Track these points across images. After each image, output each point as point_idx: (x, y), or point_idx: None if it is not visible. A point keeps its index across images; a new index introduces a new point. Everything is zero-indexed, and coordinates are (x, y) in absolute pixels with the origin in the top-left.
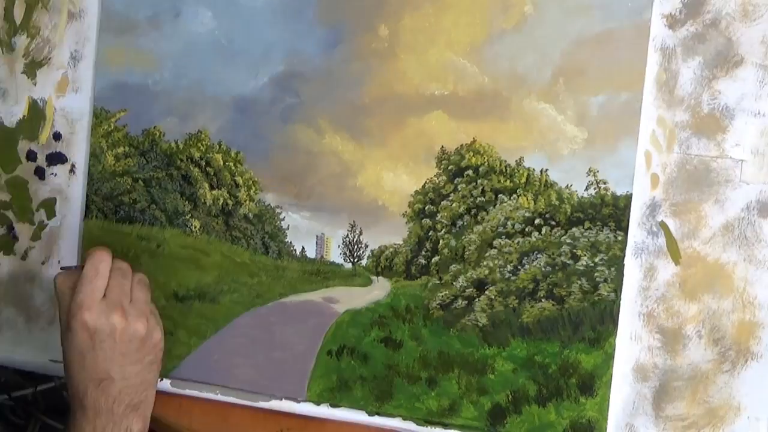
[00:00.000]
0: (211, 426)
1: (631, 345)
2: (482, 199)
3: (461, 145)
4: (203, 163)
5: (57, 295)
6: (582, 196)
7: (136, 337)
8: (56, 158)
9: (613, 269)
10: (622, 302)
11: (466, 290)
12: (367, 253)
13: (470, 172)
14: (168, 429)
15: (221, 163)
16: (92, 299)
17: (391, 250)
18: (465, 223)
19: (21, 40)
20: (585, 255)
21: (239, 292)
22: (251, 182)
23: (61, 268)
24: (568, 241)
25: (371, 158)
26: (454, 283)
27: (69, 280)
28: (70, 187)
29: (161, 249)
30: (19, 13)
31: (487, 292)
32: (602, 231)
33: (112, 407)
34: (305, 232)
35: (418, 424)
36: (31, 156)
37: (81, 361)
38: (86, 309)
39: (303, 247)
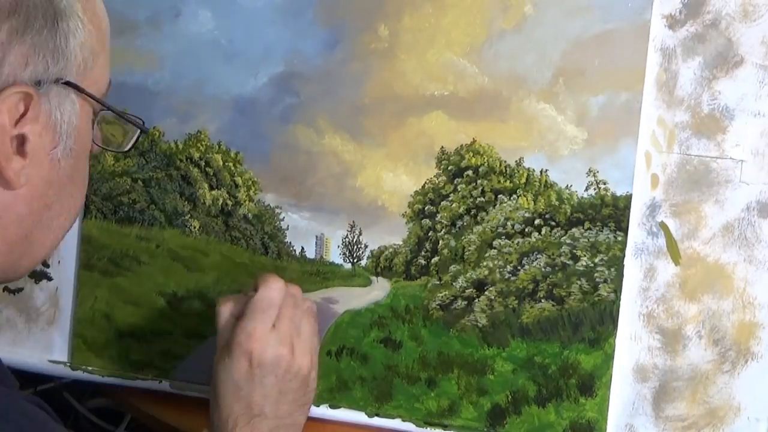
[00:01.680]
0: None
1: (631, 345)
2: (482, 199)
3: (461, 146)
4: (203, 164)
5: (219, 321)
6: (582, 197)
7: (298, 376)
8: None
9: (613, 270)
10: (622, 303)
11: (466, 291)
12: (367, 253)
13: (470, 172)
14: (168, 429)
15: (221, 163)
16: (263, 330)
17: (390, 250)
18: (465, 224)
19: None
20: (585, 255)
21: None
22: (251, 182)
23: (219, 300)
24: (568, 241)
25: (371, 158)
26: (453, 283)
27: (232, 305)
28: None
29: (160, 249)
30: None
31: (486, 293)
32: (602, 231)
33: None
34: (305, 233)
35: (417, 425)
36: None
37: (236, 393)
38: (256, 340)
39: (302, 248)
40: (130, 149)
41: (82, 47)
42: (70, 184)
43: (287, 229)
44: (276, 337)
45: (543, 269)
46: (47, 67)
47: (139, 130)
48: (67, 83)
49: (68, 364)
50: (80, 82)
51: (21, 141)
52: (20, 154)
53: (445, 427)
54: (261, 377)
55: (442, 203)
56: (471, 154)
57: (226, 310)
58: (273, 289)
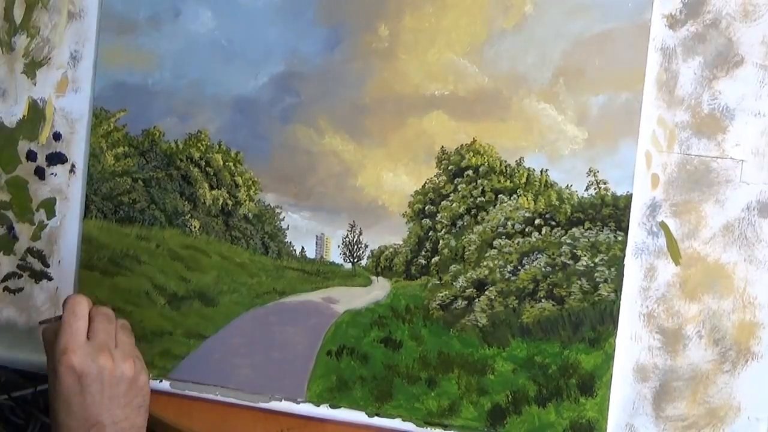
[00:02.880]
0: (211, 426)
1: (631, 345)
2: (482, 199)
3: (461, 145)
4: (203, 163)
5: (46, 349)
6: (582, 197)
7: (124, 379)
8: (56, 158)
9: (613, 269)
10: (622, 302)
11: (466, 290)
12: (367, 253)
13: (470, 172)
14: (168, 429)
15: (221, 163)
16: (76, 341)
17: (390, 250)
18: (465, 224)
19: (21, 40)
20: (585, 255)
21: (239, 293)
22: (251, 182)
23: (40, 322)
24: (568, 241)
25: (371, 158)
26: (454, 283)
27: (53, 329)
28: (69, 187)
29: (161, 249)
30: (19, 13)
31: (487, 293)
32: (602, 231)
33: None
34: (305, 232)
35: (417, 425)
36: (31, 156)
37: (68, 408)
38: (71, 351)
39: (303, 247)
40: None
41: None
42: None
43: (287, 228)
44: (92, 346)
45: (543, 269)
46: None
47: None
48: None
49: None
50: None
51: None
52: None
53: (445, 427)
54: (87, 386)
55: (442, 203)
56: (471, 153)
57: (48, 335)
58: (75, 303)
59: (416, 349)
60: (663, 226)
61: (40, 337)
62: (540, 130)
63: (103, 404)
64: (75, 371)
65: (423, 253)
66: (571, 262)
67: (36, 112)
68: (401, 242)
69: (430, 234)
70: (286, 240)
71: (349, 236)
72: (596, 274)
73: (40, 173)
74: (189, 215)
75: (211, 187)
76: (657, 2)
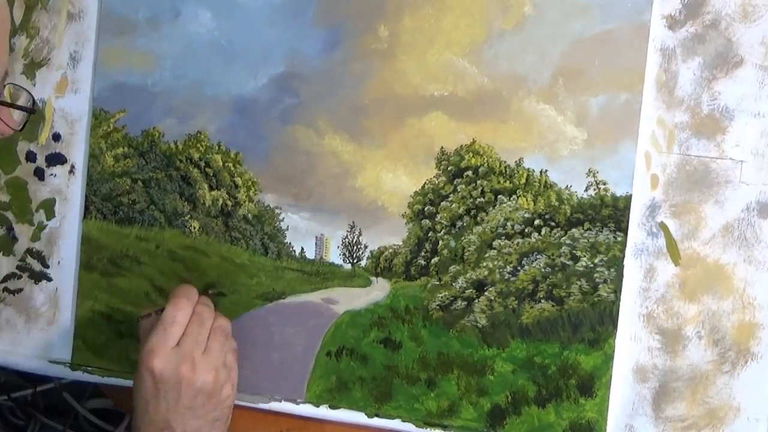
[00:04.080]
0: None
1: (630, 346)
2: (482, 199)
3: (461, 146)
4: (202, 164)
5: (140, 341)
6: (582, 197)
7: (202, 392)
8: (55, 159)
9: (612, 270)
10: (621, 303)
11: (466, 291)
12: (367, 253)
13: (470, 172)
14: None
15: (220, 163)
16: (163, 346)
17: (390, 250)
18: (464, 224)
19: (20, 41)
20: (585, 256)
21: (238, 293)
22: (250, 183)
23: (140, 317)
24: (568, 242)
25: (371, 159)
26: (453, 284)
27: (150, 324)
28: (69, 187)
29: (160, 250)
30: (18, 14)
31: (486, 293)
32: (602, 232)
33: None
34: (304, 233)
35: (417, 426)
36: (31, 157)
37: (145, 408)
38: (155, 356)
39: (302, 248)
40: (22, 129)
41: None
42: None
43: (287, 229)
44: (177, 354)
45: (543, 270)
46: None
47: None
48: None
49: (68, 364)
50: None
51: None
52: None
53: (444, 427)
54: (164, 392)
55: (441, 204)
56: (471, 154)
57: (145, 329)
58: (177, 309)
59: (416, 350)
60: (662, 226)
61: (138, 331)
62: (539, 131)
63: (177, 413)
64: (154, 375)
65: (422, 253)
66: (570, 262)
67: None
68: (401, 243)
69: (429, 235)
70: (285, 241)
71: (349, 237)
72: (596, 275)
73: (39, 174)
74: (188, 216)
75: (211, 188)
76: (656, 3)
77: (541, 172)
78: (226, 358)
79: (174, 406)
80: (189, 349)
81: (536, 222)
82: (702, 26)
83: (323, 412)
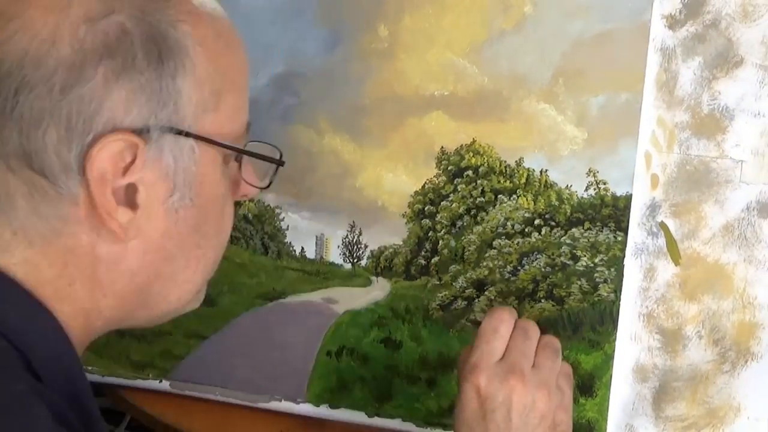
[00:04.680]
0: (211, 427)
1: (630, 345)
2: (482, 199)
3: (461, 146)
4: None
5: (458, 368)
6: (582, 197)
7: (535, 410)
8: None
9: (612, 270)
10: (621, 303)
11: (466, 291)
12: (367, 253)
13: (470, 172)
14: (168, 429)
15: None
16: (487, 360)
17: (390, 250)
18: (464, 224)
19: None
20: (585, 255)
21: (238, 293)
22: None
23: None
24: (568, 241)
25: (371, 159)
26: (453, 283)
27: (468, 348)
28: None
29: None
30: None
31: (486, 293)
32: (602, 231)
33: None
34: (305, 233)
35: (417, 425)
36: None
37: None
38: (480, 371)
39: (302, 248)
40: (269, 185)
41: (197, 88)
42: (195, 234)
43: (287, 229)
44: (502, 367)
45: (543, 269)
46: (153, 112)
47: (276, 165)
48: (180, 131)
49: None
50: (199, 126)
51: (131, 191)
52: (129, 205)
53: (445, 426)
54: (491, 412)
55: (442, 203)
56: (471, 154)
57: (464, 354)
58: (499, 320)
59: (416, 350)
60: (663, 226)
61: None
62: (540, 131)
63: None
64: (480, 393)
65: (423, 253)
66: (570, 262)
67: None
68: (401, 242)
69: (429, 234)
70: (285, 240)
71: (349, 236)
72: (596, 275)
73: None
74: None
75: None
76: (657, 3)
77: (541, 171)
78: (558, 379)
79: (504, 427)
80: (516, 361)
81: (536, 221)
82: (702, 26)
83: (323, 411)
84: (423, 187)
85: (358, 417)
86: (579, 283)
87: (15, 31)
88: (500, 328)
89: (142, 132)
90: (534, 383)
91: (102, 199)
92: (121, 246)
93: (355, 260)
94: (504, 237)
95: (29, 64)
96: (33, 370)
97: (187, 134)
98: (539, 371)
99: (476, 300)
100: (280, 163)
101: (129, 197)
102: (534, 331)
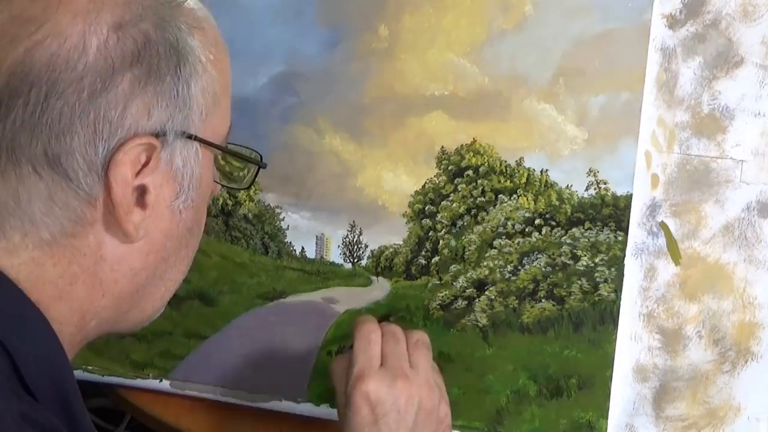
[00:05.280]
0: (211, 427)
1: (631, 345)
2: (482, 199)
3: (461, 146)
4: None
5: (334, 381)
6: (582, 197)
7: (423, 408)
8: None
9: (613, 269)
10: (622, 302)
11: (466, 290)
12: (367, 253)
13: (470, 172)
14: (168, 429)
15: None
16: (371, 367)
17: (391, 250)
18: (465, 224)
19: None
20: (585, 255)
21: (239, 293)
22: None
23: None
24: (569, 241)
25: (371, 158)
26: (454, 283)
27: (343, 361)
28: None
29: None
30: None
31: (487, 293)
32: (602, 231)
33: None
34: (305, 233)
35: None
36: None
37: None
38: (367, 378)
39: (303, 248)
40: (250, 186)
41: (204, 93)
42: (188, 234)
43: (287, 228)
44: (386, 372)
45: (543, 269)
46: (170, 117)
47: (257, 167)
48: (190, 134)
49: None
50: (202, 129)
51: (141, 192)
52: (140, 205)
53: None
54: (383, 416)
55: (442, 203)
56: (471, 154)
57: (338, 367)
58: (369, 331)
59: None
60: (663, 226)
61: (332, 375)
62: (540, 131)
63: None
64: (370, 399)
65: (423, 253)
66: (571, 262)
67: None
68: (401, 242)
69: (430, 234)
70: (286, 240)
71: (349, 236)
72: (596, 274)
73: None
74: None
75: None
76: (657, 2)
77: (541, 171)
78: (434, 375)
79: (396, 428)
80: (397, 365)
81: (537, 221)
82: (702, 26)
83: (324, 411)
84: (423, 186)
85: None
86: (579, 282)
87: (45, 37)
88: (371, 336)
89: (159, 135)
90: (417, 383)
91: (122, 200)
92: (127, 246)
93: (356, 260)
94: (504, 237)
95: (59, 69)
96: (19, 373)
97: (195, 138)
98: (418, 370)
99: (477, 300)
100: (262, 165)
101: (139, 198)
102: (400, 332)
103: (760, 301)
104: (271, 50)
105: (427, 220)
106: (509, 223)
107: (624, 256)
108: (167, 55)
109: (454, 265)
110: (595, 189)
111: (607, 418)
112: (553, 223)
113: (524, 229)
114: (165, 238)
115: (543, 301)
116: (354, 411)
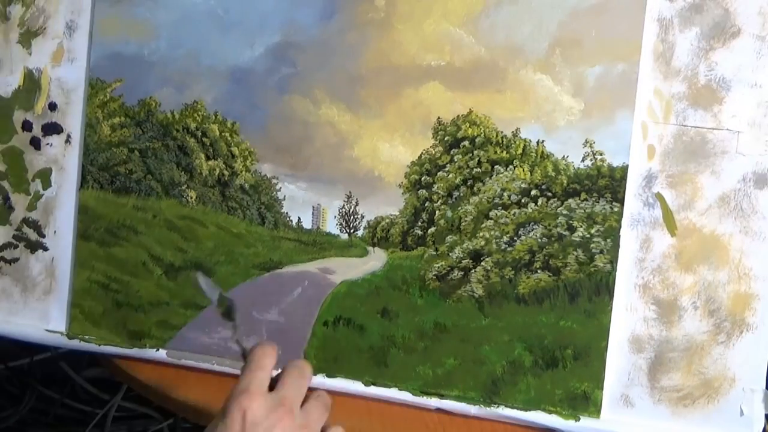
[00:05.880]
0: (208, 396)
1: (626, 316)
2: (478, 170)
3: (457, 116)
4: (199, 134)
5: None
6: (578, 168)
7: None
8: (52, 128)
9: (609, 240)
10: (617, 273)
11: (462, 261)
12: (363, 224)
13: (466, 143)
14: (164, 400)
15: (217, 133)
16: (258, 388)
17: (387, 221)
18: (461, 194)
19: (16, 10)
20: (581, 226)
21: (235, 263)
22: (247, 153)
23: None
24: (564, 212)
25: (367, 129)
26: (450, 254)
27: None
28: (65, 157)
29: (157, 219)
30: None
31: (483, 263)
32: (598, 202)
33: None
34: (301, 203)
35: (414, 395)
36: (27, 126)
37: None
38: (251, 395)
39: (299, 218)
40: None
41: None
42: None
43: (284, 199)
44: (273, 398)
45: (539, 240)
46: None
47: None
48: None
49: (65, 333)
50: None
51: None
52: None
53: (441, 396)
54: None
55: (438, 174)
56: (467, 124)
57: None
58: (263, 353)
59: (412, 320)
60: (659, 197)
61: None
62: (536, 101)
63: None
64: (245, 417)
65: (419, 223)
66: (567, 233)
67: (31, 82)
68: (397, 213)
69: (426, 205)
70: (282, 211)
71: (346, 207)
72: (592, 245)
73: (35, 143)
74: (185, 186)
75: (208, 158)
76: None
77: (537, 142)
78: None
79: None
80: (288, 395)
81: (533, 192)
82: None
83: (320, 381)
84: (419, 157)
85: (354, 386)
86: (575, 253)
87: None
88: (264, 361)
89: None
90: (299, 422)
91: None
92: None
93: (352, 231)
94: (500, 207)
95: None
96: None
97: None
98: (307, 414)
99: (473, 270)
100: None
101: None
102: (309, 370)
103: (755, 272)
104: (267, 20)
105: (424, 191)
106: (505, 194)
107: (620, 227)
108: None
109: (450, 236)
110: (591, 160)
111: (602, 389)
112: (549, 194)
113: (520, 200)
114: None
115: (539, 272)
116: (226, 423)
